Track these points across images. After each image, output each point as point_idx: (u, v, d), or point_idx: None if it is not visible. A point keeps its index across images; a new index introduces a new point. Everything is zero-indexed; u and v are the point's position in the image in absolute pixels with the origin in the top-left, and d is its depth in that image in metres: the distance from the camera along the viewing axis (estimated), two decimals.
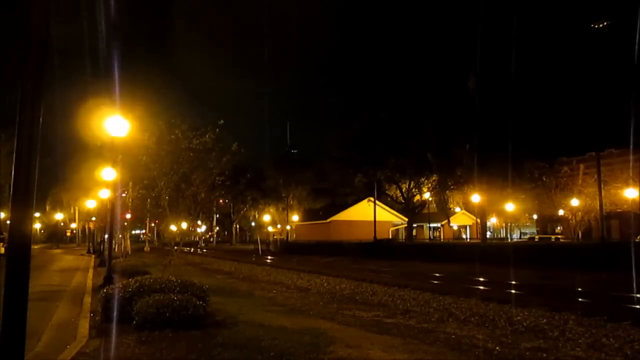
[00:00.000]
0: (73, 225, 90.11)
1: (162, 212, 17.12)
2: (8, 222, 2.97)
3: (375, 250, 41.15)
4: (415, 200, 60.02)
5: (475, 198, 47.88)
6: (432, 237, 69.36)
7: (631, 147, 36.82)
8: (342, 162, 57.75)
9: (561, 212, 54.34)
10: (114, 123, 12.76)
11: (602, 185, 32.19)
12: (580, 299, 15.59)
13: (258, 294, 17.79)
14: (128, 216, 27.44)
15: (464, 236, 73.31)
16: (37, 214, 78.65)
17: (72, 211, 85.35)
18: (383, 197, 62.71)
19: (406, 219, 61.09)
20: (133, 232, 65.87)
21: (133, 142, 15.20)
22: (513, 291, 17.81)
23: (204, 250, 65.07)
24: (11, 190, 2.82)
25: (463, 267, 26.70)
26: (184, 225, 19.06)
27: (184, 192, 16.16)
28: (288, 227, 71.42)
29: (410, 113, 52.55)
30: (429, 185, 57.42)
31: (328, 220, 63.01)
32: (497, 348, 8.76)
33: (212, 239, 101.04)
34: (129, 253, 33.28)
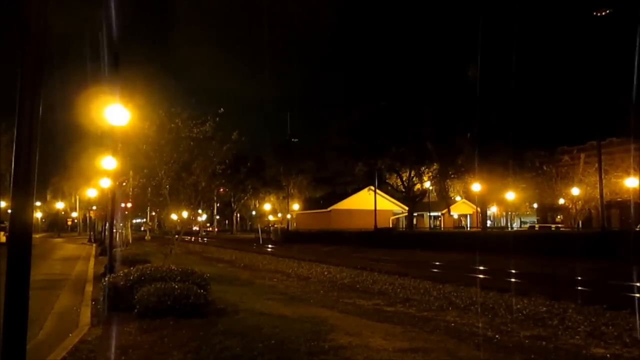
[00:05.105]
0: (74, 214, 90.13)
1: (162, 201, 17.16)
2: (9, 211, 2.97)
3: (376, 239, 41.19)
4: (415, 189, 60.01)
5: (476, 187, 47.80)
6: (432, 226, 69.38)
7: (632, 136, 36.83)
8: (343, 151, 57.66)
9: (562, 201, 54.29)
10: (114, 112, 12.69)
11: (602, 174, 32.13)
12: (579, 288, 15.65)
13: (259, 282, 17.85)
14: (129, 205, 27.43)
15: (464, 225, 73.36)
16: (38, 203, 78.72)
17: (73, 200, 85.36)
18: (383, 186, 62.70)
19: (407, 208, 61.11)
20: (134, 221, 65.93)
21: (133, 131, 15.17)
22: (513, 280, 17.88)
23: (205, 239, 65.21)
24: (12, 179, 2.81)
25: (463, 256, 26.78)
26: (185, 214, 19.08)
27: (185, 181, 16.19)
28: (289, 216, 71.46)
29: (411, 102, 52.39)
30: (430, 174, 57.38)
31: (329, 209, 63.05)
32: (497, 336, 8.79)
33: (212, 229, 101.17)
34: (130, 242, 33.31)
